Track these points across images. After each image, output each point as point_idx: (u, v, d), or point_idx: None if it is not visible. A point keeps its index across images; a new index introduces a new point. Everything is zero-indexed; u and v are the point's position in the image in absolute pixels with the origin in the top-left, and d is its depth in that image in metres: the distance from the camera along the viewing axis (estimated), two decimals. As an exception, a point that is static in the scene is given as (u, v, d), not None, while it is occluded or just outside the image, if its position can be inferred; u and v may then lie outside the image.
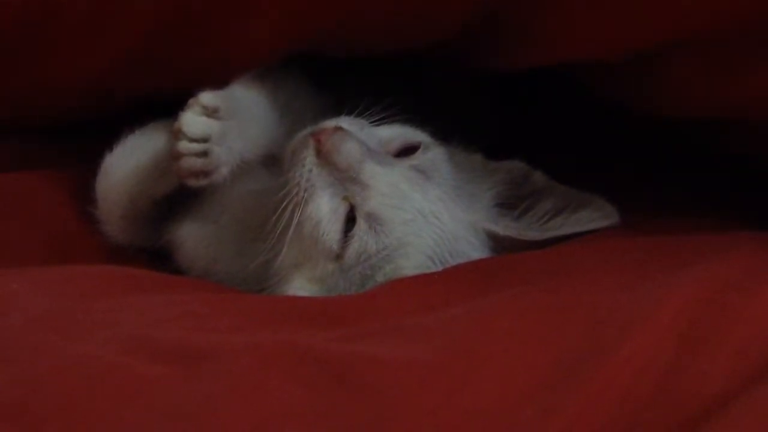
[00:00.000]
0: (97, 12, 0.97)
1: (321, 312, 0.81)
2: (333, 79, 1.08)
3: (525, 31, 0.93)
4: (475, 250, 0.96)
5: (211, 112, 0.93)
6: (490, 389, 0.67)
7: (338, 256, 0.91)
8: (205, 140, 0.92)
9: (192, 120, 0.92)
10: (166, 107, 1.06)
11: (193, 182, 0.94)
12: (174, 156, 0.93)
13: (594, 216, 0.97)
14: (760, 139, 0.97)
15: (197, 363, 0.70)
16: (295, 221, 0.92)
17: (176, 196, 1.05)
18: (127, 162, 1.03)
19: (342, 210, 0.92)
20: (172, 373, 0.69)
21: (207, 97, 0.93)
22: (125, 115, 1.10)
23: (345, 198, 0.92)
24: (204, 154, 0.92)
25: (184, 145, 0.92)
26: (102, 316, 0.79)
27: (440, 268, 0.92)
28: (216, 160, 0.93)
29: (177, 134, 0.92)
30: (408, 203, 0.93)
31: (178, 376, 0.69)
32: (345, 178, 0.92)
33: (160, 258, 1.07)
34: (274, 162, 1.01)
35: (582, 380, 0.67)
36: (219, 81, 0.97)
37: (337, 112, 1.00)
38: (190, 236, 1.04)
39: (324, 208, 0.92)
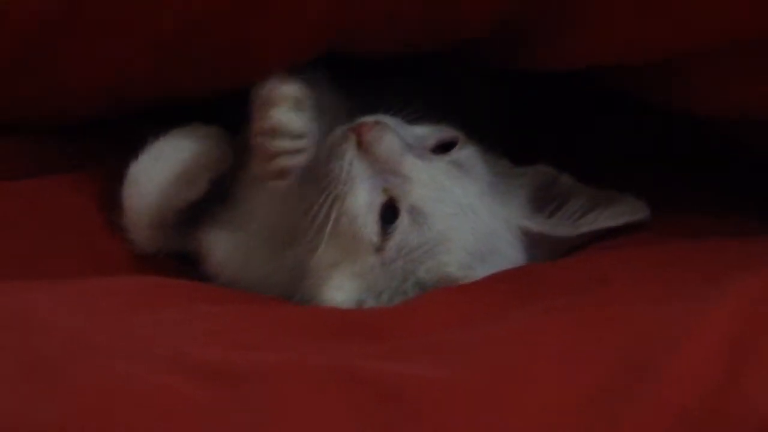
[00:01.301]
0: (123, 9, 0.96)
1: (360, 326, 0.81)
2: (344, 78, 1.06)
3: (562, 33, 0.93)
4: (511, 247, 0.96)
5: (299, 106, 0.91)
6: (541, 412, 0.66)
7: (379, 249, 0.91)
8: (301, 136, 0.91)
9: (289, 116, 0.91)
10: (183, 107, 1.05)
11: (276, 184, 0.93)
12: (266, 156, 0.91)
13: (625, 210, 0.97)
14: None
15: (243, 384, 0.69)
16: (333, 215, 0.91)
17: (203, 202, 1.04)
18: (154, 169, 1.02)
19: (380, 201, 0.91)
20: (219, 396, 0.68)
21: (294, 90, 0.91)
22: (140, 115, 1.10)
23: (385, 190, 0.92)
24: (298, 151, 0.91)
25: (284, 143, 0.90)
26: (141, 332, 0.79)
27: (480, 264, 0.92)
28: (306, 156, 0.92)
29: (271, 132, 0.90)
30: (449, 197, 0.93)
31: (225, 398, 0.68)
32: (385, 170, 0.92)
33: (188, 263, 1.06)
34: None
35: (633, 400, 0.66)
36: (248, 81, 0.94)
37: (365, 112, 0.99)
38: (219, 243, 1.03)
39: (363, 200, 0.91)
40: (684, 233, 0.95)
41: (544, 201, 0.99)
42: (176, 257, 1.08)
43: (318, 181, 0.94)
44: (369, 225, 0.91)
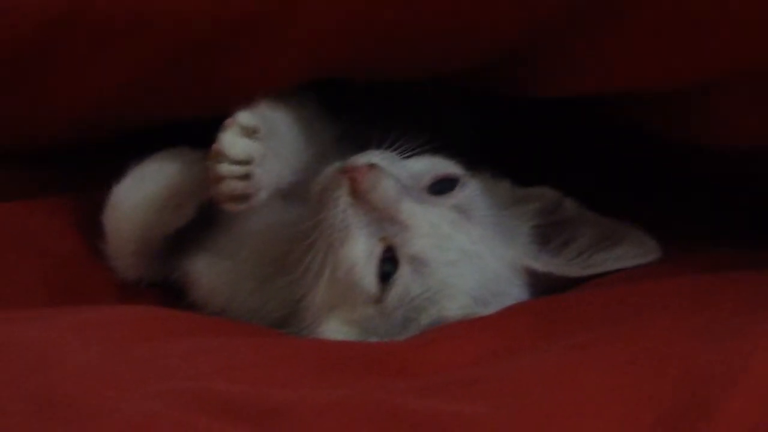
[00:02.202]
0: (116, 30, 0.92)
1: (382, 360, 0.77)
2: (333, 102, 1.03)
3: (573, 59, 0.90)
4: (515, 288, 0.93)
5: (250, 133, 0.88)
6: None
7: (378, 300, 0.87)
8: (247, 162, 0.87)
9: (233, 141, 0.87)
10: (169, 131, 1.01)
11: (232, 207, 0.89)
12: (214, 179, 0.88)
13: (636, 252, 0.93)
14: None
15: (276, 422, 0.65)
16: (330, 263, 0.87)
17: (189, 228, 1.00)
18: (138, 193, 0.98)
19: (378, 251, 0.88)
20: None
21: (246, 117, 0.88)
22: (123, 139, 1.05)
23: (382, 239, 0.88)
24: (246, 176, 0.87)
25: (225, 168, 0.87)
26: (152, 365, 0.74)
27: (483, 308, 0.88)
28: (258, 182, 0.88)
29: (217, 156, 0.87)
30: (451, 244, 0.89)
31: (260, 437, 0.63)
32: (382, 218, 0.88)
33: (172, 293, 1.01)
34: (290, 192, 0.95)
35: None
36: (237, 103, 0.91)
37: (353, 140, 0.96)
38: (206, 271, 0.99)
39: (360, 251, 0.87)
40: (695, 261, 0.92)
41: (548, 228, 0.96)
42: (157, 286, 1.03)
43: (309, 217, 0.90)
44: (367, 276, 0.87)
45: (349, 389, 0.70)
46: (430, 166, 0.93)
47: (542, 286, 0.93)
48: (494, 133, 1.17)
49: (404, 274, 0.87)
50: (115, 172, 0.99)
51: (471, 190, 0.93)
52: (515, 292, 0.92)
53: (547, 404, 0.67)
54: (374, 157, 0.90)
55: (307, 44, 0.91)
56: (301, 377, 0.73)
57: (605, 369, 0.70)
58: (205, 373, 0.73)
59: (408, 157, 0.92)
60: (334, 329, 0.88)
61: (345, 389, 0.70)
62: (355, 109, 1.03)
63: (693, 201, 1.08)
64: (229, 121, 0.88)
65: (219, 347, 0.79)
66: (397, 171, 0.90)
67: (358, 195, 0.87)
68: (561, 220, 0.96)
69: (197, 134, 0.98)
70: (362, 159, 0.89)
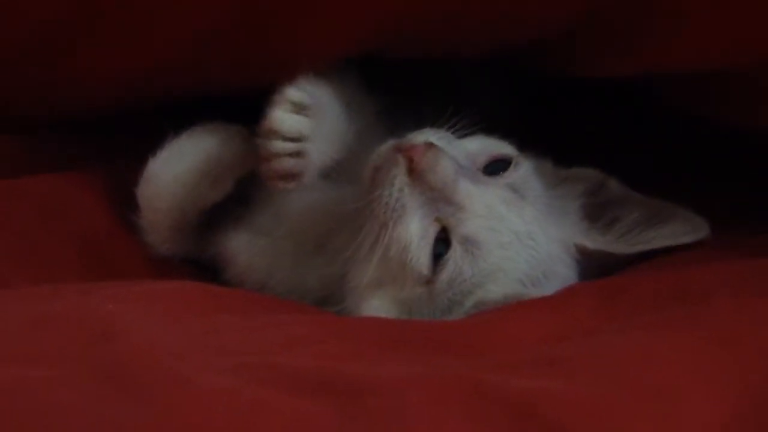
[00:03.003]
0: (151, 6, 0.90)
1: (446, 338, 0.76)
2: (373, 78, 1.01)
3: (631, 36, 0.88)
4: (568, 268, 0.92)
5: (300, 109, 0.86)
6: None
7: (429, 281, 0.85)
8: (299, 139, 0.85)
9: (284, 117, 0.85)
10: (198, 106, 0.99)
11: (281, 185, 0.87)
12: (265, 157, 0.86)
13: (685, 229, 0.92)
14: None
15: (357, 399, 0.63)
16: (381, 242, 0.86)
17: (225, 204, 0.98)
18: (175, 168, 0.96)
19: (432, 232, 0.86)
20: (333, 411, 0.62)
21: (296, 93, 0.86)
22: (154, 113, 1.03)
23: (437, 219, 0.86)
24: (298, 154, 0.85)
25: (278, 145, 0.85)
26: (213, 340, 0.72)
27: (534, 289, 0.87)
28: (310, 160, 0.86)
29: (269, 133, 0.85)
30: (505, 225, 0.87)
31: (344, 413, 0.61)
32: (438, 198, 0.86)
33: (206, 269, 0.99)
34: (331, 170, 0.93)
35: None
36: (278, 80, 0.89)
37: (394, 117, 0.94)
38: (244, 248, 0.97)
39: (414, 231, 0.86)
40: (739, 248, 0.91)
41: (594, 208, 0.95)
42: (191, 262, 1.01)
43: (360, 195, 0.88)
44: (421, 257, 0.85)
45: (423, 366, 0.68)
46: (484, 146, 0.92)
47: (592, 265, 0.92)
48: (536, 113, 1.16)
49: (456, 255, 0.85)
50: (146, 145, 0.97)
51: (524, 170, 0.91)
52: (567, 273, 0.91)
53: (635, 384, 0.65)
54: (431, 135, 0.88)
55: (353, 16, 0.89)
56: (370, 353, 0.72)
57: (685, 350, 0.69)
58: (269, 349, 0.71)
59: (462, 136, 0.91)
60: (378, 306, 0.87)
61: (420, 366, 0.68)
62: (395, 87, 1.01)
63: (737, 186, 1.06)
64: (277, 96, 0.86)
65: (276, 323, 0.77)
66: (453, 151, 0.88)
67: (415, 175, 0.86)
68: (606, 200, 0.95)
69: (228, 110, 0.98)
70: (420, 137, 0.87)
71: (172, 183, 0.96)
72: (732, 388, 0.65)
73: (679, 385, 0.65)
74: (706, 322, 0.73)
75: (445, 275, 0.85)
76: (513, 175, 0.90)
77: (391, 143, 0.88)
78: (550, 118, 1.15)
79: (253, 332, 0.74)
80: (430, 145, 0.86)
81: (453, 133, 0.90)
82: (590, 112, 1.17)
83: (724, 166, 1.09)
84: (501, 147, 0.92)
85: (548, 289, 0.88)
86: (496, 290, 0.86)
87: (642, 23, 0.87)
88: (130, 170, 0.98)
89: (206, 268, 1.00)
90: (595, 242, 0.93)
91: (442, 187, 0.86)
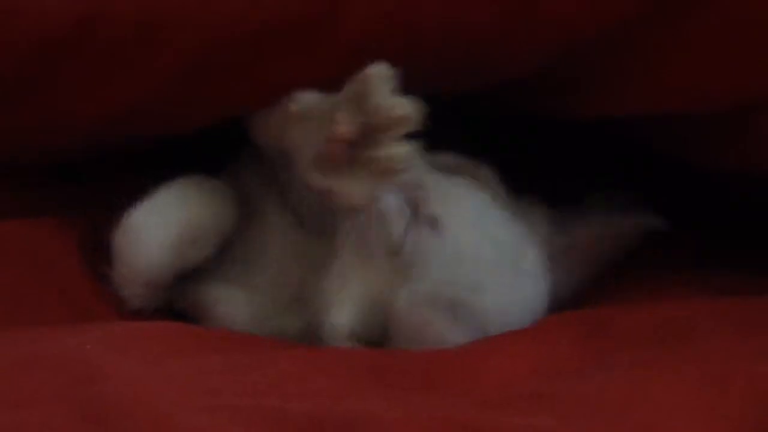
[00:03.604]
0: (138, 39, 0.87)
1: (431, 372, 0.74)
2: None
3: (612, 78, 0.88)
4: (531, 263, 0.90)
5: None
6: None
7: (396, 253, 0.84)
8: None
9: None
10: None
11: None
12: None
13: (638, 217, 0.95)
14: None
15: None
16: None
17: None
18: (157, 225, 0.92)
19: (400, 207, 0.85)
20: None
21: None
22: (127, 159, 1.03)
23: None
24: None
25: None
26: (195, 381, 0.71)
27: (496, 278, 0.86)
28: None
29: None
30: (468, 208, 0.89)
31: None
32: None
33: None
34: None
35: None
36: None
37: None
38: (222, 299, 0.95)
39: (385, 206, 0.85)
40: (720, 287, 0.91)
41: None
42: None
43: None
44: (389, 229, 0.84)
45: (411, 405, 0.68)
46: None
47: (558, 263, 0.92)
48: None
49: (420, 233, 0.84)
50: (119, 191, 0.94)
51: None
52: (530, 268, 0.90)
53: (624, 422, 0.65)
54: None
55: (348, 45, 0.87)
56: (357, 390, 0.71)
57: (675, 389, 0.69)
58: (253, 390, 0.70)
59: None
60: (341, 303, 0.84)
61: (408, 405, 0.68)
62: None
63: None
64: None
65: (258, 363, 0.76)
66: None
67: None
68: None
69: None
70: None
71: (152, 242, 0.92)
72: (724, 427, 0.65)
73: (672, 425, 0.65)
74: (693, 359, 0.73)
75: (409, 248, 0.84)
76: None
77: None
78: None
79: (235, 373, 0.73)
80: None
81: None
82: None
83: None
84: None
85: (510, 286, 0.86)
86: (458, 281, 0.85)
87: (637, 62, 0.86)
88: (102, 219, 0.96)
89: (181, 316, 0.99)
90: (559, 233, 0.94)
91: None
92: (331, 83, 0.87)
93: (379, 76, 0.78)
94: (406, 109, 0.78)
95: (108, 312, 0.95)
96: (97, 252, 0.95)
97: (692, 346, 0.75)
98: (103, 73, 0.89)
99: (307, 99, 0.85)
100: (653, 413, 0.66)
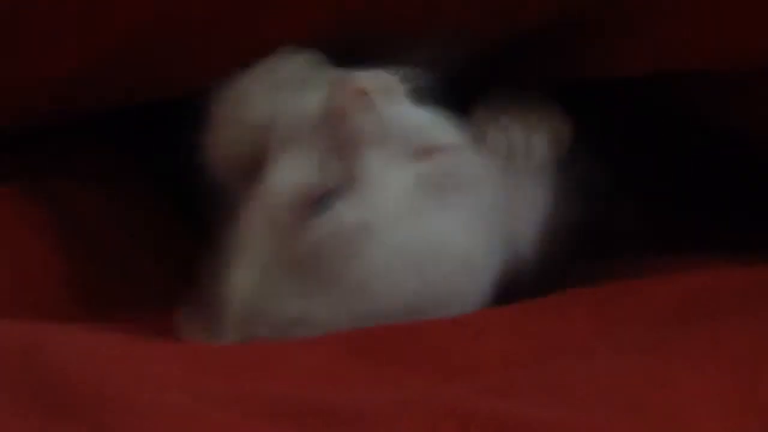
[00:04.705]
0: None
1: (427, 353, 0.67)
2: None
3: (641, 29, 0.82)
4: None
5: None
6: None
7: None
8: None
9: None
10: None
11: None
12: None
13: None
14: None
15: (344, 428, 0.57)
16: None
17: None
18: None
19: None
20: None
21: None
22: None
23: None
24: None
25: None
26: (185, 369, 0.65)
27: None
28: None
29: None
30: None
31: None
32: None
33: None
34: None
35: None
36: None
37: None
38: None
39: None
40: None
41: None
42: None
43: None
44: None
45: (409, 389, 0.62)
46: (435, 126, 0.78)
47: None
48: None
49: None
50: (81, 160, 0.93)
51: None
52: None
53: (640, 411, 0.59)
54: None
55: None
56: (343, 375, 0.65)
57: (700, 374, 0.62)
58: (236, 374, 0.64)
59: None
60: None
61: (405, 390, 0.62)
62: None
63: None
64: None
65: (238, 350, 0.71)
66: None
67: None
68: None
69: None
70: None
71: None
72: (747, 412, 0.59)
73: (691, 411, 0.59)
74: (718, 342, 0.66)
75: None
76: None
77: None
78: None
79: (216, 356, 0.67)
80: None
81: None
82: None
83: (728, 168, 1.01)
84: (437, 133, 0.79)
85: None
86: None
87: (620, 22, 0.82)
88: (63, 189, 0.92)
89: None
90: None
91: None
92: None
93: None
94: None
95: (67, 300, 0.88)
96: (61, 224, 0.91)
97: (715, 326, 0.68)
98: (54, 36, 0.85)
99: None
100: (669, 399, 0.60)
